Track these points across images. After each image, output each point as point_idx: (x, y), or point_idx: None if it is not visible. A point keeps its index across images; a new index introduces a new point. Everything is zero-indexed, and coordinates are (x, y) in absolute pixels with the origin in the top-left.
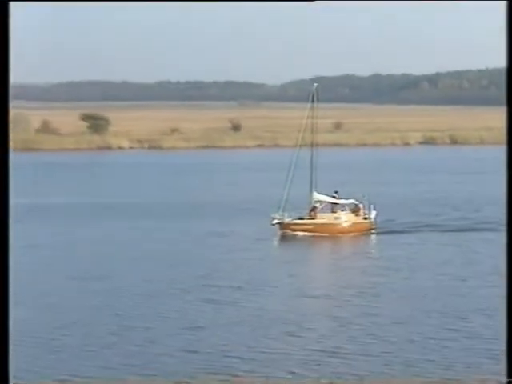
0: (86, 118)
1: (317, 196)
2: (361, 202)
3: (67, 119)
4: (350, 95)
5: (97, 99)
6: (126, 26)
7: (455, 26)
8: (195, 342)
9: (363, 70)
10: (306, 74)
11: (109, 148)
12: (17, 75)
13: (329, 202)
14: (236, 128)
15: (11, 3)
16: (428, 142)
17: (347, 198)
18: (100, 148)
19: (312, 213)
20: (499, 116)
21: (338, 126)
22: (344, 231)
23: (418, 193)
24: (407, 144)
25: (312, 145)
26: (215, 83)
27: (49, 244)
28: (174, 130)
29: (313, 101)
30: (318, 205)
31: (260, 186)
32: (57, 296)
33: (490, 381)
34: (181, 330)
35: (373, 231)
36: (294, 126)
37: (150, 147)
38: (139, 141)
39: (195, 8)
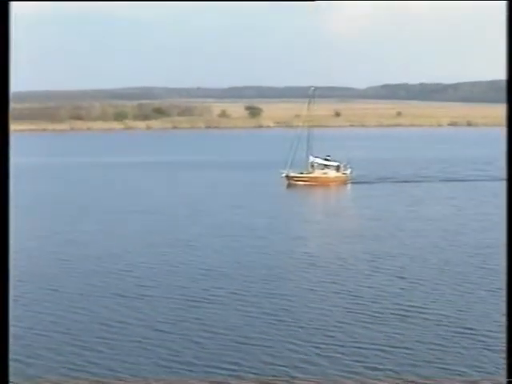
0: (247, 108)
1: (312, 159)
2: (341, 163)
3: (236, 109)
4: (406, 95)
5: (252, 97)
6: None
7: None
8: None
9: (413, 79)
10: (377, 82)
11: (261, 127)
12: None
13: (319, 163)
14: (337, 115)
15: (11, 3)
16: (452, 124)
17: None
18: (255, 127)
19: (308, 169)
20: (493, 109)
21: (398, 114)
22: (329, 182)
23: (417, 156)
24: (440, 125)
25: (309, 127)
26: (323, 87)
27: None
28: (298, 116)
29: (310, 98)
30: (312, 164)
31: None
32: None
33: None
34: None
35: (348, 182)
36: (371, 114)
37: (285, 126)
38: (278, 122)
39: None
